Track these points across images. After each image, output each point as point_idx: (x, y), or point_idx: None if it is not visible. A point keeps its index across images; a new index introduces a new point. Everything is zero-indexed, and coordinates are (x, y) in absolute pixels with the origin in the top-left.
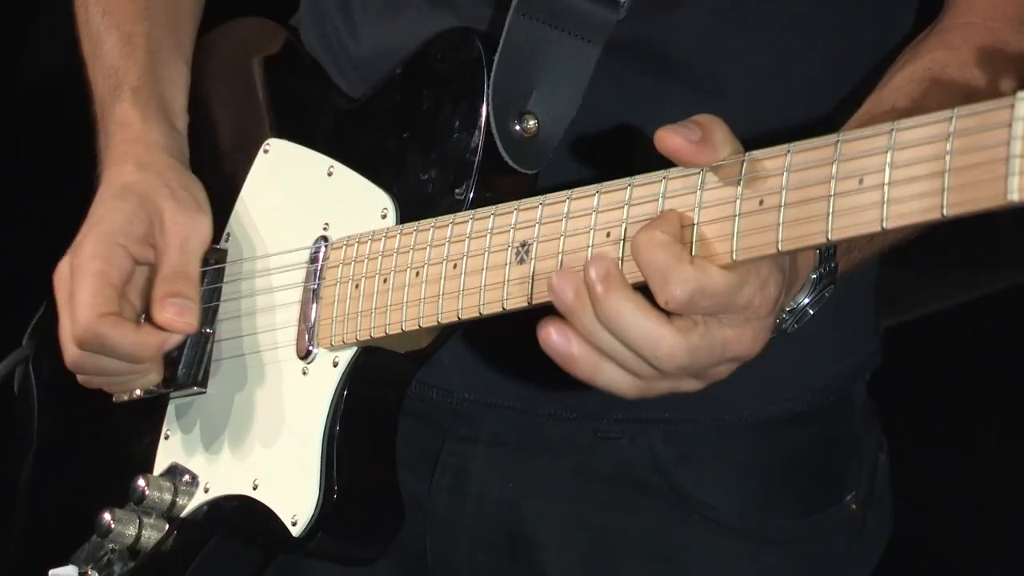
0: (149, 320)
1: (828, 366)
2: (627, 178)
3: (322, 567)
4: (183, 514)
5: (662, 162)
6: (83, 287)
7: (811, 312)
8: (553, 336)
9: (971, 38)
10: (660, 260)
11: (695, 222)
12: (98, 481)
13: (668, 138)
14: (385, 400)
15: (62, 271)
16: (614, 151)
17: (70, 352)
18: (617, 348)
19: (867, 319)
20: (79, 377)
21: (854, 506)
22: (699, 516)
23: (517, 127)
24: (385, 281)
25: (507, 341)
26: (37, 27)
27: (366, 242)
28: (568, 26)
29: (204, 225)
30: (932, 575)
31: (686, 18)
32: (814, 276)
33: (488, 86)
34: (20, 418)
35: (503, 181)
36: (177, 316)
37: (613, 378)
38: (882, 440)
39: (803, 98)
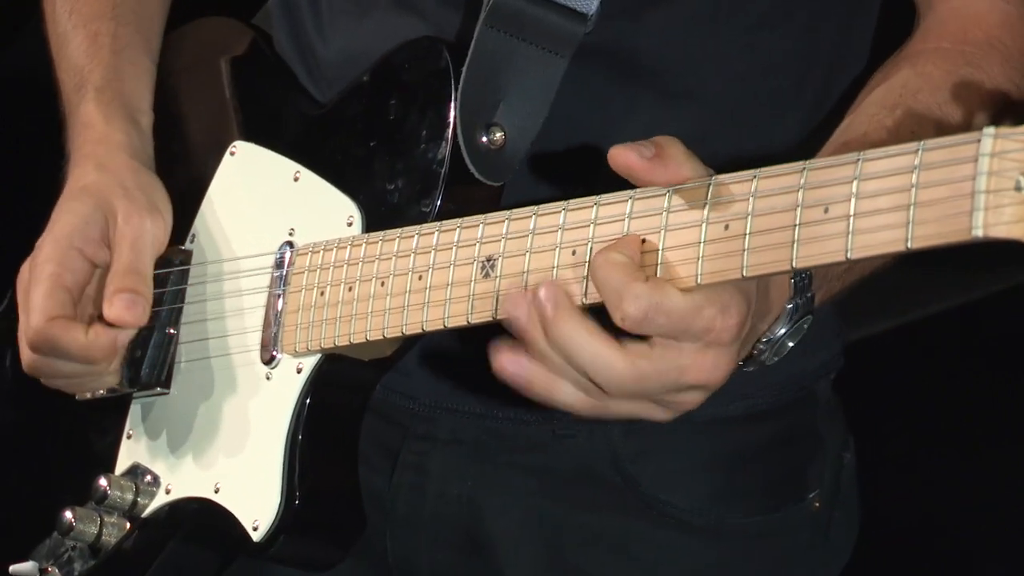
0: (100, 319)
1: (789, 363)
2: (594, 196)
3: (282, 569)
4: (144, 514)
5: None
6: (37, 290)
7: (790, 344)
8: (506, 364)
9: (943, 64)
10: (615, 279)
11: (660, 247)
12: (58, 477)
13: (621, 155)
14: (348, 407)
15: (22, 275)
16: (580, 163)
17: (25, 355)
18: (569, 370)
19: (828, 319)
20: (42, 380)
21: (817, 504)
22: (658, 513)
23: (484, 139)
24: (350, 290)
25: (466, 347)
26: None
27: (332, 249)
28: (536, 39)
29: (157, 224)
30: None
31: (653, 25)
32: (790, 306)
33: (456, 97)
34: None
35: (469, 193)
36: (125, 311)
37: (570, 398)
38: (848, 439)
39: (771, 102)
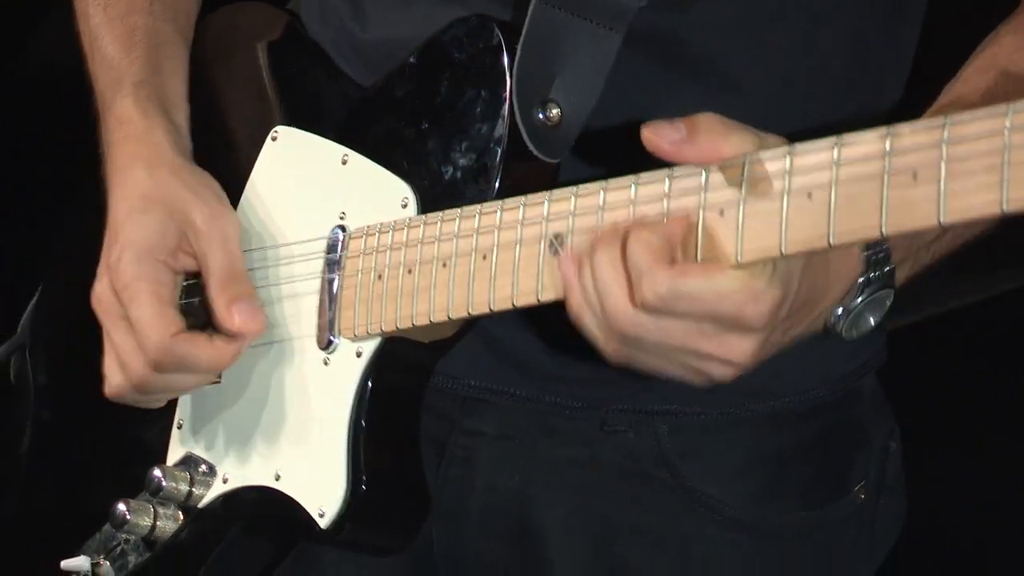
0: (215, 329)
1: (838, 362)
2: (665, 169)
3: (335, 555)
4: (200, 505)
5: None
6: (142, 309)
7: (871, 320)
8: (562, 258)
9: None
10: (639, 259)
11: (699, 224)
12: (105, 470)
13: (648, 137)
14: (409, 389)
15: (103, 295)
16: (631, 141)
17: (137, 374)
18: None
19: None
20: (129, 399)
21: (862, 496)
22: (704, 509)
23: (540, 115)
24: (410, 272)
25: (513, 328)
26: (42, 24)
27: (387, 232)
28: (590, 13)
29: (233, 219)
30: (945, 565)
31: (704, 11)
32: (861, 280)
33: (512, 74)
34: (17, 407)
35: (526, 170)
36: (249, 320)
37: (593, 329)
38: (893, 427)
39: (819, 102)
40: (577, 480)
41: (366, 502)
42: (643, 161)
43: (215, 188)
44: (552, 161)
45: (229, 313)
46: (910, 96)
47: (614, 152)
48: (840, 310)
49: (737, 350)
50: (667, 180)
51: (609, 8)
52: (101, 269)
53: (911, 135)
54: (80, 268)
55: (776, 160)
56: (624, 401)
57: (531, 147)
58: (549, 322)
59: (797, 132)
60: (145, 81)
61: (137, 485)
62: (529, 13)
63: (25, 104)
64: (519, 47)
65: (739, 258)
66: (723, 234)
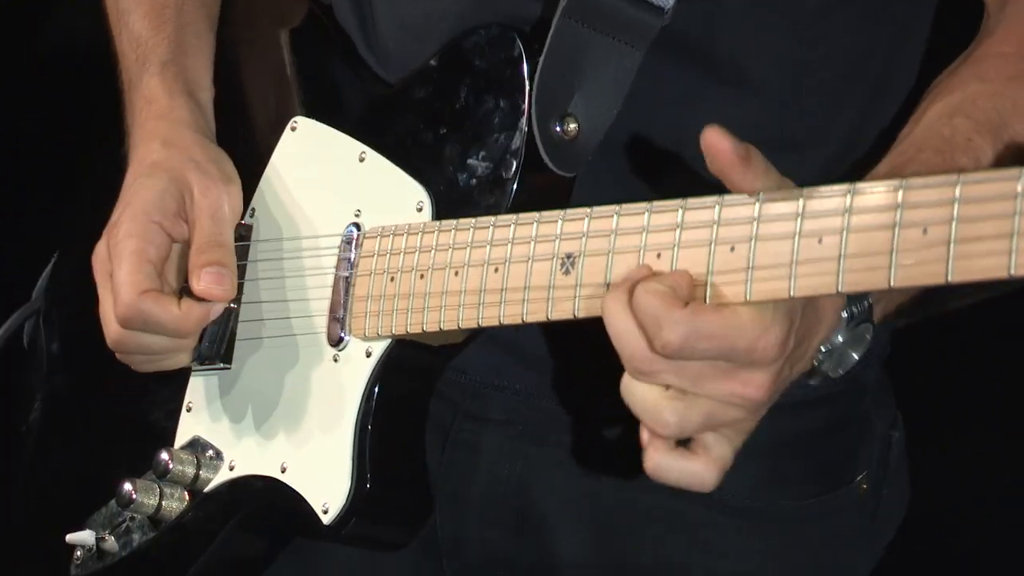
0: (188, 293)
1: None
2: (678, 200)
3: (336, 549)
4: (207, 489)
5: (696, 166)
6: (122, 266)
7: (854, 356)
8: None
9: (1006, 70)
10: (652, 305)
11: (708, 268)
12: (113, 446)
13: (716, 138)
14: (417, 391)
15: (99, 252)
16: (647, 156)
17: (112, 330)
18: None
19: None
20: (118, 355)
21: (864, 486)
22: (707, 496)
23: (558, 129)
24: (422, 277)
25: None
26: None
27: (402, 235)
28: (613, 31)
29: (234, 194)
30: (947, 555)
31: (722, 17)
32: (844, 315)
33: (532, 87)
34: (30, 372)
35: (541, 184)
36: (215, 284)
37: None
38: (896, 416)
39: (828, 93)
40: (581, 465)
41: (369, 499)
42: (656, 179)
43: (225, 166)
44: (568, 175)
45: (198, 275)
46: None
47: (629, 168)
48: (823, 349)
49: (753, 385)
50: (680, 211)
51: (632, 26)
52: (106, 230)
53: (923, 190)
54: (94, 238)
55: (789, 202)
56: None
57: (547, 161)
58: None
59: (811, 129)
60: (172, 60)
61: (144, 462)
62: (553, 27)
63: (42, 83)
64: (541, 60)
65: (748, 297)
66: (732, 273)
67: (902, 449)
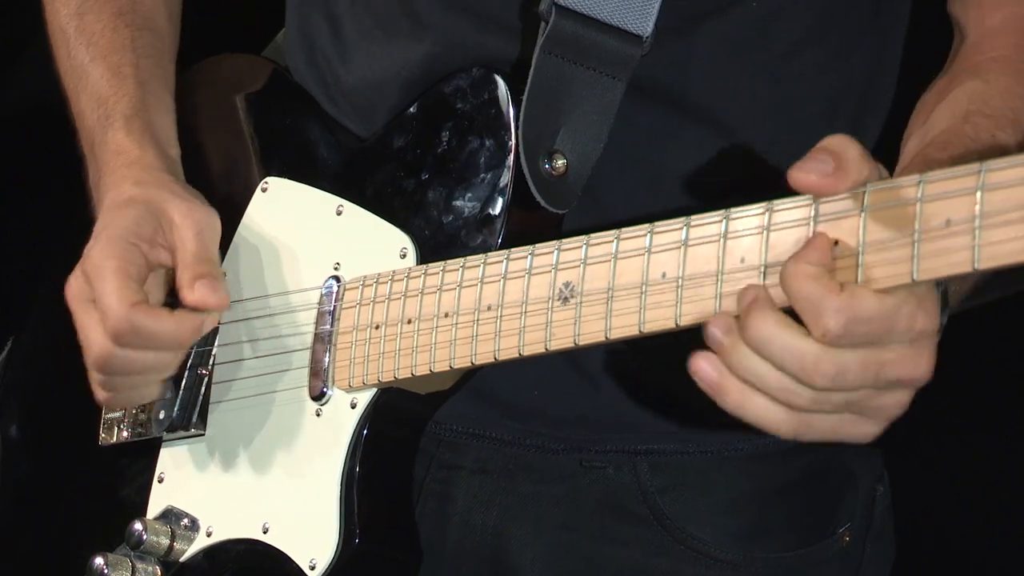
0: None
1: None
2: (682, 218)
3: None
4: (182, 559)
5: (682, 202)
6: (106, 285)
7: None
8: (701, 363)
9: (1008, 69)
10: (809, 291)
11: (859, 248)
12: (83, 523)
13: (801, 179)
14: (404, 441)
15: (74, 283)
16: (632, 188)
17: (99, 349)
18: (764, 373)
19: None
20: (95, 383)
21: (847, 538)
22: (685, 547)
23: (547, 166)
24: (409, 323)
25: (495, 369)
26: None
27: (386, 282)
28: (593, 62)
29: (214, 217)
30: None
31: (694, 58)
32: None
33: (518, 125)
34: None
35: (532, 221)
36: (210, 293)
37: (762, 411)
38: (882, 471)
39: (804, 130)
40: (555, 516)
41: (358, 554)
42: (652, 206)
43: (201, 198)
44: (560, 212)
45: (191, 287)
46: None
47: (618, 201)
48: None
49: (921, 362)
50: (684, 228)
51: (612, 57)
52: (79, 264)
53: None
54: (52, 321)
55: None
56: (607, 443)
57: (539, 199)
58: (531, 362)
59: (785, 161)
60: (136, 116)
61: (116, 539)
62: (533, 64)
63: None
64: (524, 98)
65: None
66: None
67: (888, 505)
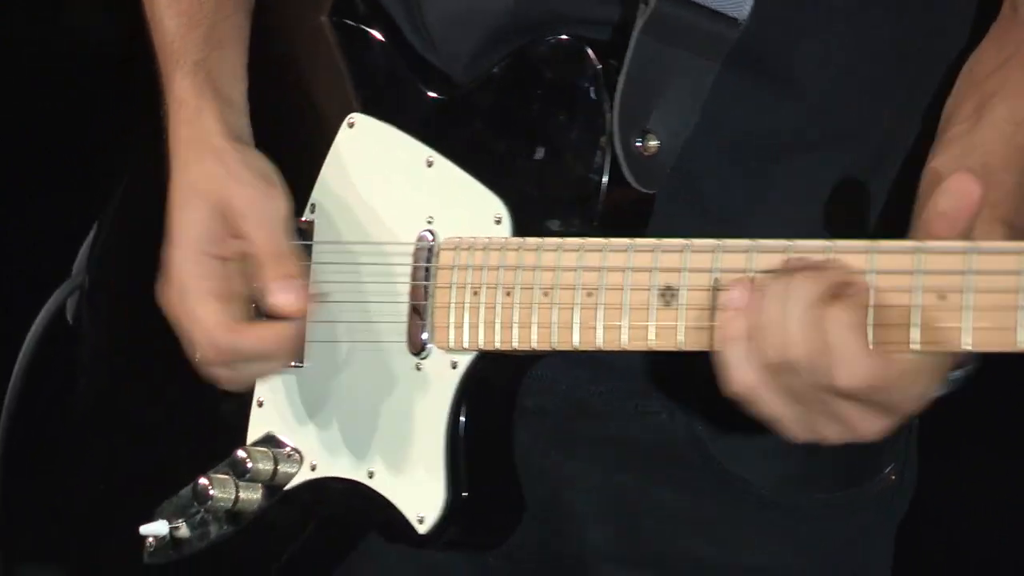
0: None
1: None
2: (784, 240)
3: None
4: (287, 487)
5: (765, 172)
6: (199, 308)
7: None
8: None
9: None
10: (844, 341)
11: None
12: (179, 441)
13: (969, 187)
14: (504, 397)
15: (168, 296)
16: (720, 166)
17: (214, 372)
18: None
19: None
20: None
21: (893, 477)
22: (736, 489)
23: (639, 144)
24: (508, 295)
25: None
26: None
27: (482, 249)
28: (690, 44)
29: (277, 196)
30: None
31: (789, 28)
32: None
33: (615, 104)
34: (78, 353)
35: (625, 201)
36: (292, 299)
37: (776, 405)
38: None
39: (873, 91)
40: (609, 458)
41: (467, 508)
42: (731, 187)
43: (264, 170)
44: (650, 192)
45: (271, 292)
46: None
47: (704, 173)
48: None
49: (875, 427)
50: (786, 252)
51: (709, 38)
52: (162, 266)
53: None
54: (138, 207)
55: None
56: (662, 392)
57: (630, 178)
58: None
59: (853, 127)
60: (204, 60)
61: (212, 452)
62: (632, 44)
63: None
64: (621, 78)
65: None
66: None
67: (916, 432)
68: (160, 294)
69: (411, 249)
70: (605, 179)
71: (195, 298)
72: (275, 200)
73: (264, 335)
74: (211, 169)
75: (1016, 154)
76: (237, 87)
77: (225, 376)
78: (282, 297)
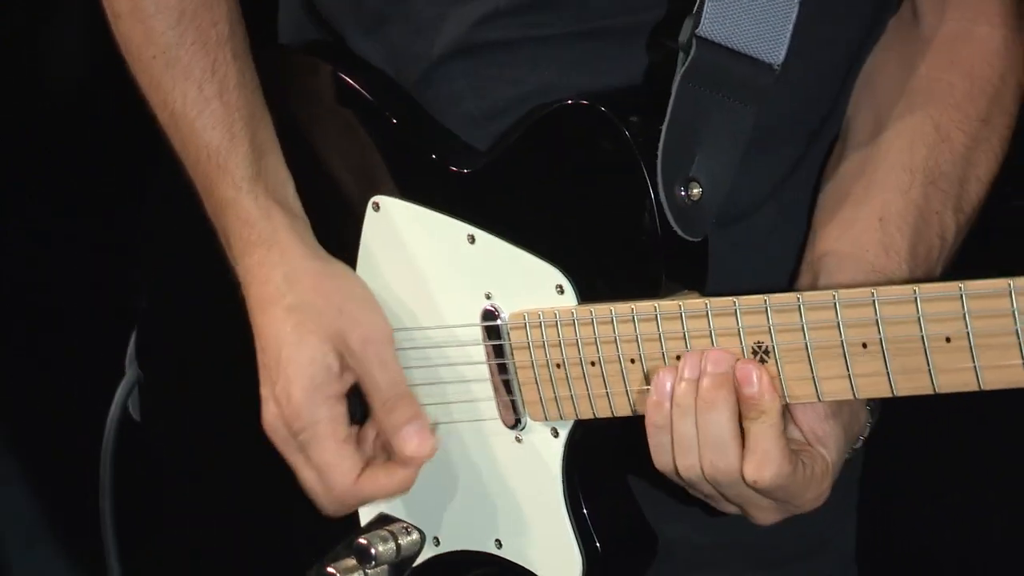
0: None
1: None
2: (870, 288)
3: None
4: (415, 565)
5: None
6: (324, 456)
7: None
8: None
9: (966, 128)
10: (768, 439)
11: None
12: (283, 530)
13: None
14: (613, 447)
15: (277, 426)
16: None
17: (330, 510)
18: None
19: None
20: None
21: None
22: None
23: (682, 193)
24: (593, 365)
25: None
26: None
27: (553, 325)
28: (730, 90)
29: (383, 326)
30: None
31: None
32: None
33: (659, 154)
34: (156, 444)
35: (678, 252)
36: (421, 445)
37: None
38: None
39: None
40: None
41: (603, 560)
42: (772, 222)
43: (363, 294)
44: (696, 240)
45: (400, 439)
46: None
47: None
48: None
49: (768, 517)
50: (874, 303)
51: (749, 83)
52: (267, 393)
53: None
54: (186, 293)
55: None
56: None
57: (676, 228)
58: None
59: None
60: (259, 174)
61: (324, 543)
62: (674, 92)
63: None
64: (664, 128)
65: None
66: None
67: None
68: (266, 421)
69: (479, 328)
70: (656, 234)
71: (321, 442)
72: (384, 330)
73: (393, 485)
74: (312, 301)
75: (899, 203)
76: (288, 189)
77: (340, 513)
78: (415, 444)
